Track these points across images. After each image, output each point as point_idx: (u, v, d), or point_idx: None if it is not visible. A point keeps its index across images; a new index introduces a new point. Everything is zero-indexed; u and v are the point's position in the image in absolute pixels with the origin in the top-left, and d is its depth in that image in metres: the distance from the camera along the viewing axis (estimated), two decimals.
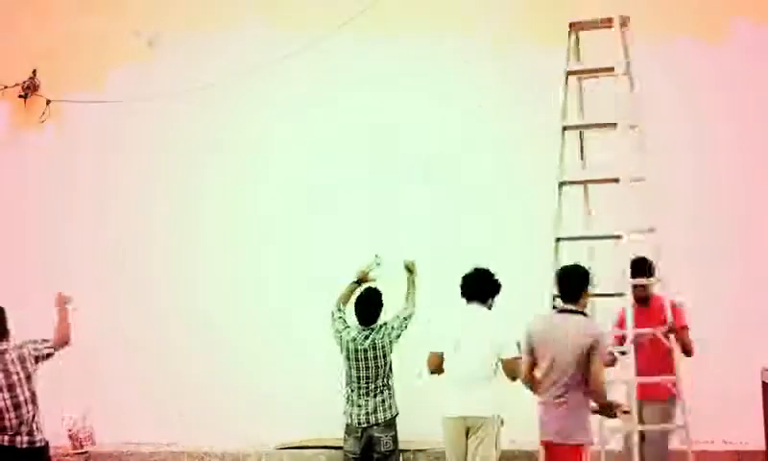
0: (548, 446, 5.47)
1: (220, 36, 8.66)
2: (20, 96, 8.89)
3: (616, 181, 6.38)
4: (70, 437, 8.28)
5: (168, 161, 8.73)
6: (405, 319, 6.73)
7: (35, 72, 8.90)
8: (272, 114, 8.61)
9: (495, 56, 8.30)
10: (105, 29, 8.79)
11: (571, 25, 6.68)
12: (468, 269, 6.33)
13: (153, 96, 8.58)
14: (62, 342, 6.35)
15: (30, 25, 8.94)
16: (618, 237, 6.35)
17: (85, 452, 8.31)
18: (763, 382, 7.12)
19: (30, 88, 8.87)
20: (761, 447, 7.20)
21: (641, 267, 6.43)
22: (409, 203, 8.31)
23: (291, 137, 8.58)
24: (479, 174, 8.26)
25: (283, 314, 8.32)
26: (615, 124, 6.50)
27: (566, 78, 6.78)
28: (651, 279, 6.44)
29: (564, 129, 6.68)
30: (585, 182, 6.77)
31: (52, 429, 8.20)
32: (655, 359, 6.33)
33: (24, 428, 5.97)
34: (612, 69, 6.57)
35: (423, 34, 8.38)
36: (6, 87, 8.90)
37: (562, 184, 6.63)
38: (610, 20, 6.60)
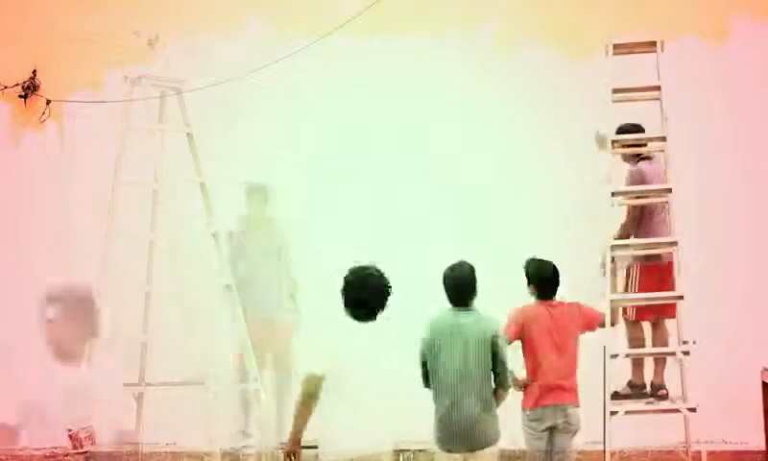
0: None
1: (220, 36, 8.67)
2: (20, 96, 8.89)
3: (669, 191, 6.42)
4: (70, 437, 8.27)
5: (167, 161, 8.72)
6: None
7: (35, 72, 8.90)
8: (271, 114, 8.61)
9: (496, 56, 8.31)
10: (105, 29, 8.79)
11: (615, 47, 6.71)
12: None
13: (153, 96, 8.57)
14: None
15: (30, 25, 8.93)
16: (675, 243, 6.37)
17: (85, 452, 8.29)
18: (763, 382, 7.13)
19: (30, 88, 8.87)
20: (761, 447, 7.21)
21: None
22: (409, 203, 8.31)
23: (291, 137, 8.58)
24: (479, 174, 8.26)
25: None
26: (665, 138, 6.56)
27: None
28: None
29: (613, 143, 6.66)
30: (637, 193, 6.74)
31: (52, 429, 8.25)
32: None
33: None
34: (657, 88, 6.60)
35: (424, 34, 8.39)
36: (6, 87, 8.89)
37: (614, 194, 6.60)
38: (653, 44, 6.65)
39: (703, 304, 6.98)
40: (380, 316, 5.19)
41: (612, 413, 6.20)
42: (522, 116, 8.25)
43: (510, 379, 5.52)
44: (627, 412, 6.29)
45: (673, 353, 6.42)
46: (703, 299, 7.06)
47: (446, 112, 8.34)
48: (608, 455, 6.47)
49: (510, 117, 8.27)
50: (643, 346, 6.73)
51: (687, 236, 7.40)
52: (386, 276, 5.19)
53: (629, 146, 6.77)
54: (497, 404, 5.48)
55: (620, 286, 6.68)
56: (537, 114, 8.22)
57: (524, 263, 6.14)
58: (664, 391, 6.65)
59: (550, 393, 5.89)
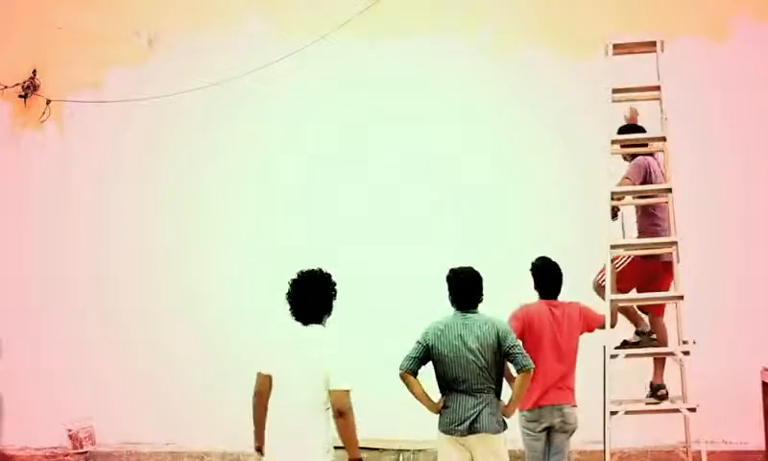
0: None
1: (220, 35, 8.67)
2: (20, 96, 8.90)
3: (669, 191, 6.40)
4: (70, 437, 8.28)
5: (167, 161, 8.74)
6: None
7: (35, 72, 8.90)
8: (271, 114, 8.61)
9: (496, 56, 8.31)
10: (105, 29, 8.79)
11: (615, 47, 6.70)
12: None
13: (153, 96, 8.58)
14: None
15: (30, 25, 8.94)
16: (674, 243, 6.36)
17: (85, 452, 8.31)
18: (763, 382, 7.13)
19: (30, 88, 8.88)
20: (761, 447, 7.21)
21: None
22: (409, 203, 8.31)
23: (291, 137, 8.58)
24: (479, 174, 8.26)
25: (283, 314, 8.30)
26: (665, 138, 6.54)
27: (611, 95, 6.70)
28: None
29: (613, 142, 6.66)
30: (637, 193, 6.71)
31: (52, 429, 8.25)
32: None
33: None
34: (657, 87, 6.59)
35: (423, 34, 8.39)
36: (6, 87, 8.90)
37: (613, 195, 6.59)
38: (653, 44, 6.64)
39: (703, 304, 6.98)
40: (326, 319, 5.20)
41: (613, 413, 6.19)
42: (522, 116, 8.25)
43: (528, 359, 5.40)
44: (627, 412, 6.28)
45: (672, 353, 6.42)
46: (703, 299, 7.05)
47: (446, 112, 8.34)
48: (608, 455, 6.46)
49: (510, 117, 8.26)
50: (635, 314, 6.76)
51: (687, 235, 7.42)
52: (332, 278, 5.24)
53: (630, 146, 6.77)
54: (524, 386, 5.41)
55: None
56: (537, 114, 8.22)
57: (531, 263, 6.18)
58: (664, 391, 6.66)
59: (548, 393, 5.89)
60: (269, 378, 5.15)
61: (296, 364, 5.02)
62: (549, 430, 5.92)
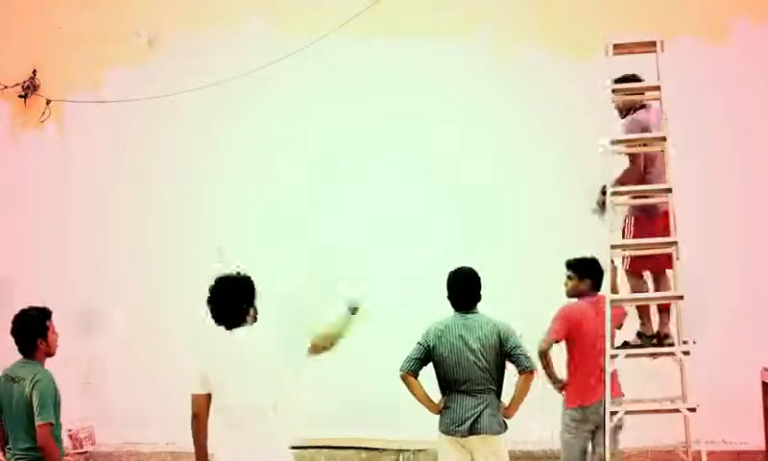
0: None
1: (220, 36, 8.67)
2: (20, 96, 8.90)
3: (669, 191, 6.39)
4: (70, 437, 8.28)
5: (167, 161, 8.74)
6: None
7: (35, 72, 8.91)
8: (272, 114, 8.61)
9: (495, 56, 8.31)
10: (105, 29, 8.79)
11: (615, 47, 6.67)
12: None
13: (153, 96, 8.58)
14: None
15: (30, 25, 8.94)
16: (674, 243, 6.35)
17: (85, 452, 8.30)
18: (763, 382, 7.13)
19: (30, 88, 8.89)
20: (761, 447, 7.21)
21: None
22: (409, 203, 8.32)
23: (291, 137, 8.59)
24: (479, 174, 8.26)
25: (283, 314, 8.31)
26: (665, 138, 6.53)
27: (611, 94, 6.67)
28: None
29: (612, 143, 6.64)
30: (637, 192, 6.69)
31: None
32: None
33: None
34: (657, 87, 6.57)
35: (423, 34, 8.39)
36: (6, 87, 8.90)
37: (614, 194, 6.57)
38: (653, 44, 6.62)
39: (703, 304, 6.98)
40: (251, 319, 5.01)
41: (613, 413, 6.19)
42: (522, 116, 8.25)
43: (530, 360, 5.43)
44: (627, 412, 6.26)
45: (672, 353, 6.41)
46: (703, 299, 7.05)
47: (446, 112, 8.35)
48: (608, 455, 6.45)
49: (510, 117, 8.27)
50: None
51: (687, 235, 7.41)
52: (250, 278, 5.09)
53: (627, 94, 6.71)
54: (526, 387, 5.41)
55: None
56: (537, 114, 8.23)
57: (572, 261, 6.25)
58: (671, 340, 6.64)
59: (593, 391, 5.93)
60: (208, 397, 4.86)
61: (239, 372, 4.78)
62: (596, 428, 5.98)
